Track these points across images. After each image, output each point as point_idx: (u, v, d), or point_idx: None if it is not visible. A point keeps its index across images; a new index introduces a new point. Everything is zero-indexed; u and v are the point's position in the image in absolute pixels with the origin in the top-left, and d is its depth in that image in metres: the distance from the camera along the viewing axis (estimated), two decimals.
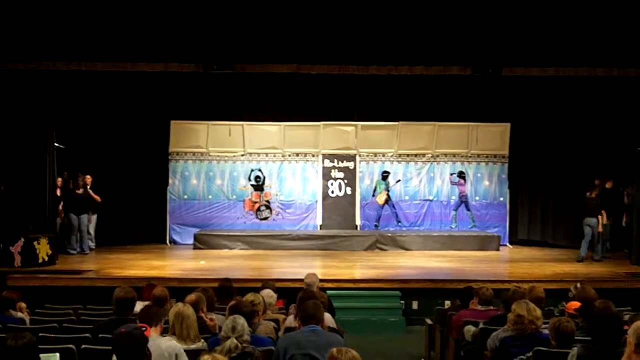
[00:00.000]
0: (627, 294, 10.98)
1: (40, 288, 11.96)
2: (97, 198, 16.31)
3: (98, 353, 5.82)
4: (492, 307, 8.34)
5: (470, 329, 8.00)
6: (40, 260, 13.58)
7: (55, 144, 15.05)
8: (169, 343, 5.73)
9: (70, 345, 6.14)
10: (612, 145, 16.96)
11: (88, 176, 16.29)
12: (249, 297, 7.33)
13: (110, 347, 4.91)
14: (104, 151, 17.45)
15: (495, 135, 18.68)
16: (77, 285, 12.14)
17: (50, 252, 13.83)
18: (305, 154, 18.79)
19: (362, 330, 11.30)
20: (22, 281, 12.20)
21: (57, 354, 5.19)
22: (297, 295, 7.77)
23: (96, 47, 13.86)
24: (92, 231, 16.57)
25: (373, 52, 14.16)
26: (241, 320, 5.75)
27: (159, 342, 5.59)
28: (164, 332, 6.11)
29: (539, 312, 6.68)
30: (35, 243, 13.56)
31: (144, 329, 5.07)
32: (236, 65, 14.34)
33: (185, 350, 5.81)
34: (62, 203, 15.93)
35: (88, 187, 16.20)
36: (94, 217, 16.52)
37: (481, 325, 7.65)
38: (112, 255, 15.67)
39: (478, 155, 18.80)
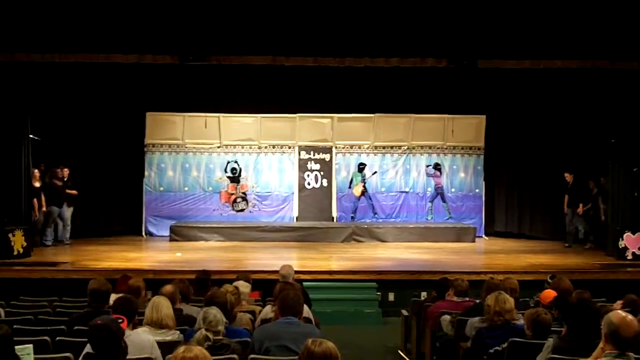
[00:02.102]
0: (602, 285, 11.08)
1: (15, 280, 11.86)
2: (73, 192, 16.28)
3: (73, 345, 5.78)
4: (467, 299, 8.39)
5: (446, 318, 8.05)
6: (16, 253, 13.50)
7: (31, 136, 14.92)
8: (142, 337, 5.70)
9: (45, 337, 6.11)
10: (586, 137, 17.08)
11: (66, 169, 16.21)
12: (227, 287, 7.32)
13: (85, 339, 4.89)
14: (80, 143, 17.32)
15: (470, 127, 18.75)
16: (53, 278, 12.05)
17: (25, 244, 13.75)
18: (282, 146, 18.76)
19: (339, 322, 11.29)
20: None
21: (31, 346, 5.15)
22: (273, 287, 7.78)
23: (71, 39, 13.72)
24: (68, 222, 16.56)
25: (349, 44, 14.14)
26: (213, 311, 5.71)
27: (132, 337, 5.54)
28: (139, 324, 6.09)
29: (509, 304, 6.69)
30: (10, 235, 13.48)
31: (120, 320, 5.04)
32: (212, 56, 14.27)
33: (161, 342, 5.80)
34: (42, 195, 15.79)
35: (65, 179, 16.14)
36: (71, 209, 16.47)
37: (458, 317, 7.70)
38: (88, 247, 15.58)
39: (454, 147, 18.87)
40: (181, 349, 4.03)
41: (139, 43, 13.99)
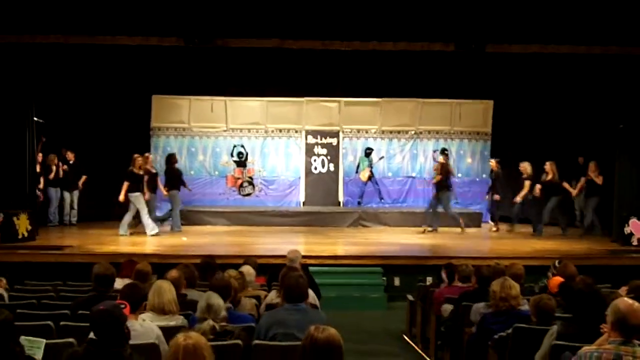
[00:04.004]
0: (607, 271, 11.03)
1: (20, 264, 11.84)
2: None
3: (76, 330, 5.76)
4: (472, 284, 8.36)
5: (447, 308, 8.05)
6: (20, 236, 13.47)
7: (35, 119, 14.90)
8: (148, 326, 5.67)
9: (49, 322, 6.10)
10: (594, 123, 16.96)
11: (70, 153, 16.47)
12: (230, 272, 7.30)
13: (88, 324, 4.87)
14: (85, 126, 17.33)
15: (478, 112, 18.70)
16: (57, 261, 12.01)
17: (30, 227, 13.72)
18: (289, 130, 18.74)
19: (344, 306, 11.31)
20: (1, 257, 12.10)
21: (44, 341, 5.09)
22: (279, 272, 7.76)
23: (76, 20, 13.66)
24: (75, 206, 16.69)
25: (356, 27, 14.04)
26: (215, 299, 5.69)
27: (137, 327, 5.52)
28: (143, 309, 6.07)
29: (515, 290, 6.66)
30: (14, 219, 13.44)
31: (123, 306, 5.02)
32: (218, 39, 14.19)
33: (165, 327, 5.78)
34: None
35: (70, 162, 16.44)
36: (76, 192, 16.61)
37: (462, 303, 7.69)
38: (93, 230, 15.63)
39: (461, 132, 18.84)
40: (180, 337, 4.01)
41: (145, 25, 13.90)
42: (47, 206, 16.27)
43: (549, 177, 15.95)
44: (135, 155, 15.07)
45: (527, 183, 16.10)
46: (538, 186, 15.99)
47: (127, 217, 14.87)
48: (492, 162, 17.04)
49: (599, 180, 15.59)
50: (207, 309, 5.58)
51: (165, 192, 15.76)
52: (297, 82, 18.01)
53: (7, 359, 4.52)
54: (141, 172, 14.95)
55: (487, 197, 17.20)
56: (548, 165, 16.02)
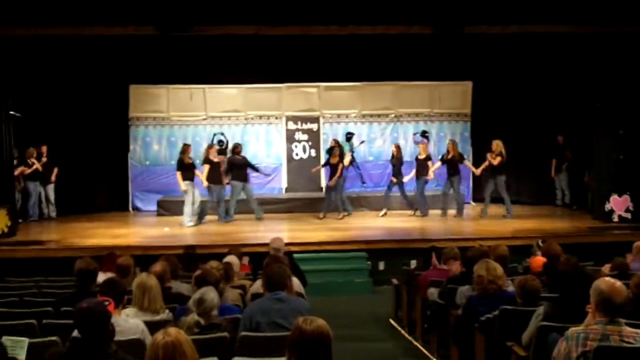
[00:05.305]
0: (589, 249, 11.09)
1: (0, 260, 11.73)
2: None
3: (60, 327, 5.69)
4: (457, 267, 8.36)
5: (433, 292, 8.06)
6: (0, 232, 13.31)
7: (11, 113, 14.72)
8: (132, 322, 5.61)
9: (32, 320, 6.01)
10: (572, 102, 16.98)
11: (44, 146, 16.41)
12: (212, 264, 7.25)
13: (72, 321, 4.81)
14: (63, 118, 17.13)
15: (457, 94, 18.69)
16: (39, 257, 11.88)
17: (9, 223, 13.51)
18: (269, 117, 18.65)
19: (329, 292, 11.35)
20: None
21: (27, 340, 5.02)
22: (264, 260, 7.73)
23: (50, 11, 13.47)
24: (52, 200, 16.57)
25: (334, 12, 13.95)
26: (211, 295, 5.63)
27: (121, 322, 5.45)
28: (127, 304, 6.00)
29: (499, 271, 6.67)
30: None
31: (107, 303, 4.96)
32: (195, 27, 14.05)
33: (150, 322, 5.72)
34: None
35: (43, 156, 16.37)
36: (51, 186, 16.51)
37: (447, 286, 7.69)
38: (74, 224, 15.47)
39: (441, 115, 18.82)
40: (159, 334, 3.95)
41: (120, 14, 13.71)
42: (26, 200, 16.10)
43: (449, 155, 15.93)
44: (185, 145, 15.34)
45: (429, 163, 16.14)
46: (433, 163, 16.15)
47: (187, 208, 14.96)
48: (393, 147, 16.94)
49: (495, 161, 15.49)
50: (198, 303, 5.52)
51: (225, 182, 15.65)
52: (275, 68, 17.90)
53: None
54: (190, 161, 15.03)
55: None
56: (450, 144, 16.13)
